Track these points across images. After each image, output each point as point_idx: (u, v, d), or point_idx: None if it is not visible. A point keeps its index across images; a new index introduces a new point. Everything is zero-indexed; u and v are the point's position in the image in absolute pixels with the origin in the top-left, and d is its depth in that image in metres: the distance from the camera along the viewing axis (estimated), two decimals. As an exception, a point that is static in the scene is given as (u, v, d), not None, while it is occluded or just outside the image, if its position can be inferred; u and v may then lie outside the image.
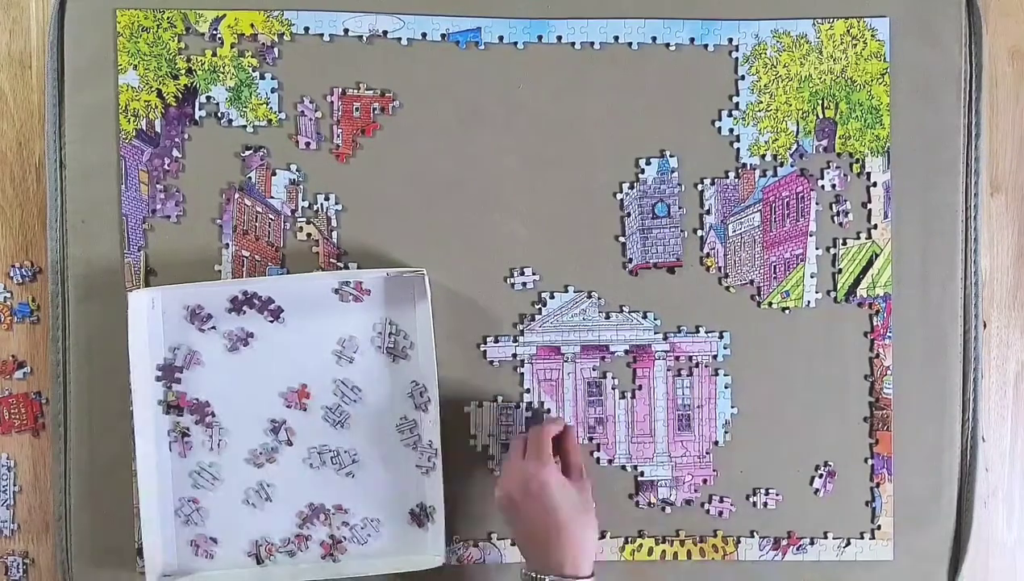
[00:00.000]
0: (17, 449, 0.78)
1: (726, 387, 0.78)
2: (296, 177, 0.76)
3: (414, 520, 0.76)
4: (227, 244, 0.76)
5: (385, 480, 0.76)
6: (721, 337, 0.78)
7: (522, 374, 0.78)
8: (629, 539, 0.78)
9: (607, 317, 0.78)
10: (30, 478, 0.78)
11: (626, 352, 0.78)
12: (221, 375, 0.75)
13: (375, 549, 0.76)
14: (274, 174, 0.76)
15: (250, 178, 0.76)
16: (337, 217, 0.76)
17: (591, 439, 0.78)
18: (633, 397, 0.78)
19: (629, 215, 0.77)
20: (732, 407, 0.78)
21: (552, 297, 0.77)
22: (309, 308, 0.74)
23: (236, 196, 0.76)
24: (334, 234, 0.76)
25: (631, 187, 0.77)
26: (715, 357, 0.78)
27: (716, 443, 0.78)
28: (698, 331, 0.78)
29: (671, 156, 0.77)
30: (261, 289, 0.74)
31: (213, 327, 0.74)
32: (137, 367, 0.72)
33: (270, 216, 0.76)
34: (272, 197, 0.76)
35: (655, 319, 0.78)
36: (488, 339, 0.77)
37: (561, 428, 0.72)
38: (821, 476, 0.78)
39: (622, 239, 0.77)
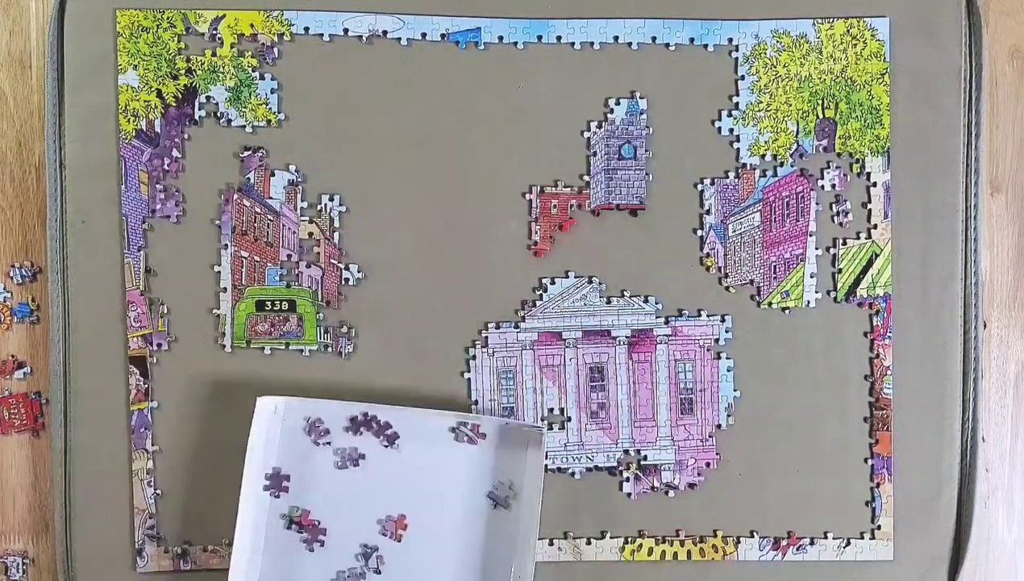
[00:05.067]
0: (17, 449, 0.78)
1: (728, 371, 0.78)
2: (295, 177, 0.76)
3: None
4: (225, 245, 0.76)
5: None
6: (723, 320, 0.78)
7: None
8: (629, 539, 0.79)
9: (608, 302, 0.78)
10: (30, 478, 0.78)
11: (627, 337, 0.78)
12: (326, 491, 0.74)
13: None
14: (272, 175, 0.76)
15: (248, 179, 0.76)
16: (340, 218, 0.76)
17: (594, 424, 0.78)
18: (635, 382, 0.78)
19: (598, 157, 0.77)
20: (735, 390, 0.78)
21: (553, 283, 0.78)
22: (424, 441, 0.74)
23: (235, 197, 0.76)
24: (336, 235, 0.76)
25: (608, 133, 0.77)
26: (717, 341, 0.78)
27: (719, 426, 0.78)
28: (700, 315, 0.78)
29: (641, 97, 0.77)
30: (381, 414, 0.74)
31: (328, 443, 0.74)
32: (250, 471, 0.72)
33: (268, 217, 0.76)
34: (271, 197, 0.76)
35: (656, 303, 0.78)
36: (490, 325, 0.77)
37: None
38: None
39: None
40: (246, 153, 0.76)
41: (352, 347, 0.77)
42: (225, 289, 0.76)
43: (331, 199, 0.76)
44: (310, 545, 0.74)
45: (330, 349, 0.77)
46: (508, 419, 0.75)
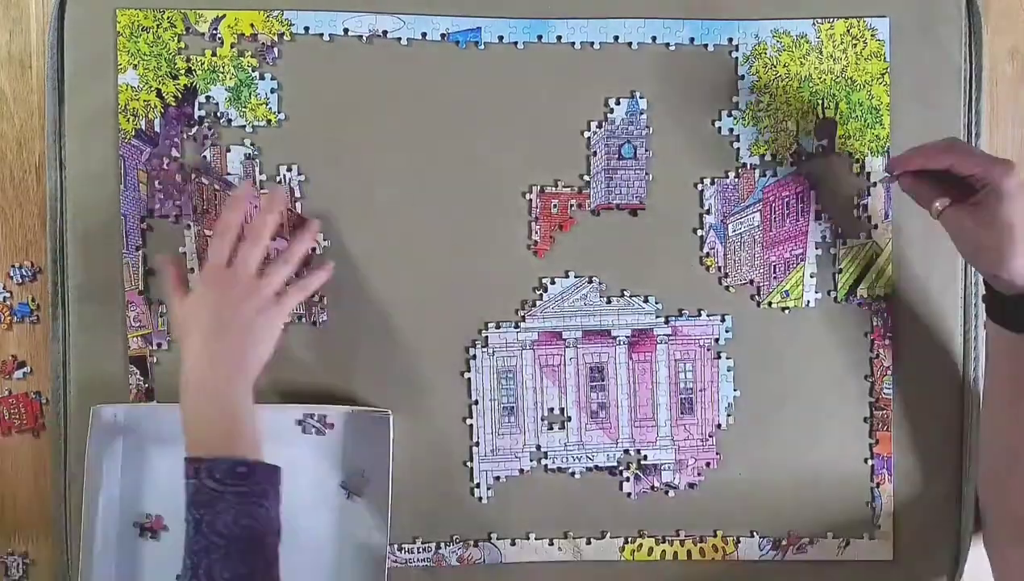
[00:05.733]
0: (17, 449, 0.78)
1: (728, 370, 0.78)
2: (251, 152, 0.76)
3: None
4: (188, 225, 0.76)
5: None
6: (723, 320, 0.78)
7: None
8: (629, 539, 0.79)
9: (608, 302, 0.78)
10: (30, 478, 0.78)
11: (628, 336, 0.78)
12: (175, 495, 0.72)
13: None
14: (228, 151, 0.75)
15: (204, 157, 0.76)
16: (300, 187, 0.76)
17: (594, 424, 0.78)
18: (635, 381, 0.78)
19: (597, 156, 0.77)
20: (735, 390, 0.78)
21: (553, 282, 0.78)
22: (271, 436, 0.72)
23: (192, 176, 0.75)
24: (298, 205, 0.76)
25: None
26: (717, 340, 0.78)
27: (719, 426, 0.78)
28: (700, 314, 0.78)
29: (641, 97, 0.77)
30: None
31: (173, 447, 0.71)
32: (94, 480, 0.71)
33: (228, 193, 0.75)
34: (229, 173, 0.75)
35: (656, 303, 0.78)
36: (490, 325, 0.77)
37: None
38: None
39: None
40: (195, 129, 0.75)
41: (326, 316, 0.76)
42: (192, 270, 0.76)
43: (288, 169, 0.76)
44: (162, 549, 0.73)
45: (303, 319, 0.76)
46: (353, 407, 0.74)
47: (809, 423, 0.78)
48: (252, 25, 0.76)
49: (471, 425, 0.78)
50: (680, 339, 0.78)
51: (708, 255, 0.78)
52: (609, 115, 0.77)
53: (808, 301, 0.78)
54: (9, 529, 0.79)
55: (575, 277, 0.78)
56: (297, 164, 0.76)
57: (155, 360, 0.76)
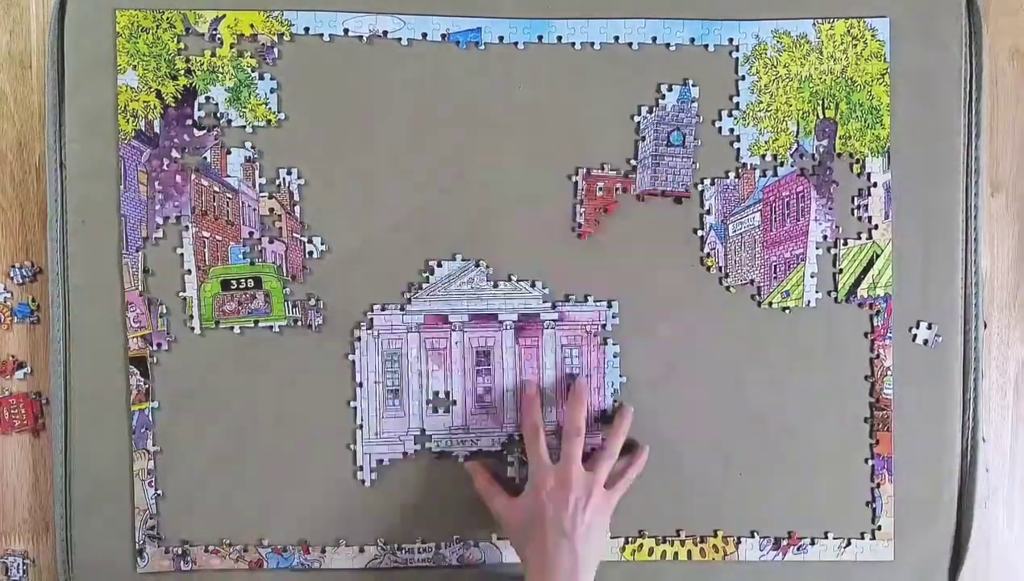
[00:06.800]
0: (17, 449, 0.78)
1: (615, 356, 0.78)
2: (251, 154, 0.76)
3: None
4: (187, 226, 0.76)
5: None
6: (609, 306, 0.78)
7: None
8: (629, 539, 0.79)
9: (495, 286, 0.78)
10: (30, 478, 0.78)
11: (514, 321, 0.78)
12: None
13: None
14: (228, 153, 0.75)
15: (205, 158, 0.76)
16: (299, 190, 0.76)
17: (479, 408, 0.78)
18: (522, 367, 0.78)
19: (644, 140, 0.77)
20: (621, 376, 0.78)
21: (440, 265, 0.77)
22: None
23: (192, 177, 0.76)
24: (296, 209, 0.76)
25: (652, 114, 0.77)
26: (604, 326, 0.78)
27: (604, 411, 0.78)
28: (586, 300, 0.78)
29: (693, 85, 0.77)
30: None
31: None
32: None
33: (227, 195, 0.76)
34: (228, 175, 0.76)
35: (543, 288, 0.78)
36: (375, 307, 0.77)
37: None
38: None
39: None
40: (200, 132, 0.76)
41: (322, 319, 0.76)
42: (190, 271, 0.76)
43: (288, 173, 0.76)
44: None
45: (299, 323, 0.76)
46: None
47: (809, 423, 0.78)
48: (252, 25, 0.76)
49: (355, 408, 0.77)
50: (567, 324, 0.78)
51: (708, 255, 0.78)
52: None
53: (808, 301, 0.78)
54: (9, 529, 0.79)
55: (462, 260, 0.77)
56: (297, 165, 0.76)
57: (155, 360, 0.76)
